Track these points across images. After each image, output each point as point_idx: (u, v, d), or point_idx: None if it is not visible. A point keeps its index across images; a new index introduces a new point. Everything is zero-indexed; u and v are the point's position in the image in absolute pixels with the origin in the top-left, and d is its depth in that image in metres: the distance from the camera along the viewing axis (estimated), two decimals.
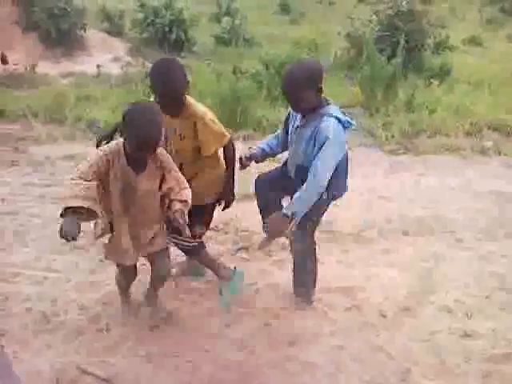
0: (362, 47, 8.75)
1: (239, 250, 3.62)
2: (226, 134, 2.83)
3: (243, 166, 2.99)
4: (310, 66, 2.64)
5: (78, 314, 2.90)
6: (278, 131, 3.01)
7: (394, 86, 6.85)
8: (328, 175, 2.58)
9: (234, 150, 2.91)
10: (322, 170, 2.55)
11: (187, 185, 2.53)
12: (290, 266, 3.25)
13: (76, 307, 2.95)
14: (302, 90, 2.54)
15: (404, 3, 8.94)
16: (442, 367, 2.55)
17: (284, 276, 3.23)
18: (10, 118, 6.62)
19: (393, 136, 5.91)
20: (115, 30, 12.18)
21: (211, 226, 3.23)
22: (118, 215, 2.48)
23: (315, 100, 2.61)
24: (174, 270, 3.13)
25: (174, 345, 2.67)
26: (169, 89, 2.58)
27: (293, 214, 2.62)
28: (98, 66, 8.98)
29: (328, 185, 2.63)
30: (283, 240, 3.68)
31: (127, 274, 2.76)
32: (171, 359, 2.58)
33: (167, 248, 2.71)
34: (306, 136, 2.67)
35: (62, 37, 10.33)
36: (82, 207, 2.22)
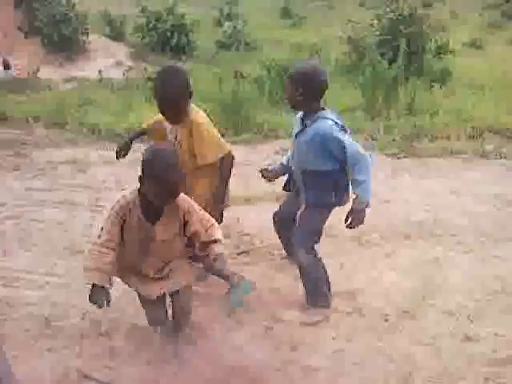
0: (363, 51, 8.78)
1: (240, 253, 3.62)
2: (224, 146, 2.81)
3: (267, 179, 3.11)
4: (307, 66, 2.81)
5: (80, 318, 2.90)
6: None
7: (395, 90, 6.86)
8: (360, 148, 2.64)
9: (230, 165, 2.88)
10: (355, 150, 2.62)
11: (213, 221, 2.48)
12: (292, 271, 3.25)
13: (77, 312, 2.94)
14: (297, 84, 2.69)
15: (405, 7, 8.96)
16: (444, 371, 2.54)
17: (286, 280, 3.23)
18: (12, 122, 6.64)
19: (394, 140, 5.91)
20: (117, 35, 12.22)
21: None
22: (134, 264, 2.49)
23: (308, 102, 2.72)
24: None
25: (177, 349, 2.67)
26: (166, 96, 2.61)
27: (368, 201, 2.68)
28: (100, 71, 9.01)
29: (334, 191, 2.72)
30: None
31: (153, 310, 2.67)
32: (172, 364, 2.57)
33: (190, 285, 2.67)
34: (306, 139, 2.73)
35: (64, 42, 10.37)
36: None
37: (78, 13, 10.80)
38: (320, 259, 2.96)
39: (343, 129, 2.73)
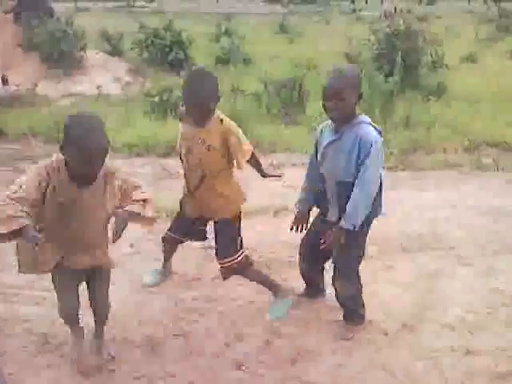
0: (359, 65, 8.85)
1: None
2: (249, 147, 2.94)
3: (301, 225, 2.99)
4: (352, 71, 2.67)
5: None
6: (309, 160, 2.93)
7: (391, 104, 6.91)
8: (376, 187, 2.57)
9: (256, 156, 3.04)
10: (372, 181, 2.55)
11: (139, 183, 2.40)
12: (291, 284, 3.24)
13: None
14: (347, 90, 2.54)
15: (401, 22, 9.06)
16: None
17: None
18: (9, 137, 6.65)
19: (391, 153, 5.93)
20: (115, 51, 12.31)
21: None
22: (52, 232, 2.29)
23: (354, 106, 2.61)
24: None
25: (173, 364, 2.65)
26: (194, 99, 2.65)
27: (354, 227, 2.58)
28: (99, 87, 9.05)
29: (372, 203, 2.61)
30: (285, 258, 3.68)
31: (68, 298, 2.52)
32: (171, 379, 2.55)
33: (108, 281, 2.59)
34: (345, 148, 2.59)
35: (62, 58, 10.42)
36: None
37: (77, 29, 10.89)
38: (361, 286, 2.87)
39: (380, 133, 2.65)
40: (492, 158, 5.82)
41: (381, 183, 2.68)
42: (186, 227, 3.14)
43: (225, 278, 3.02)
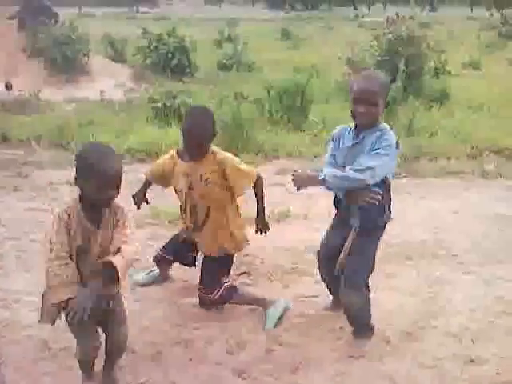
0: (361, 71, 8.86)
1: (241, 274, 3.60)
2: (253, 172, 3.01)
3: (299, 186, 2.73)
4: (382, 76, 2.66)
5: None
6: (326, 159, 2.78)
7: (394, 110, 6.91)
8: (370, 179, 2.48)
9: (262, 185, 3.07)
10: (377, 164, 2.46)
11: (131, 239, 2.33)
12: (294, 291, 3.23)
13: None
14: (380, 95, 2.50)
15: (403, 28, 9.08)
16: None
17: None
18: (13, 143, 6.66)
19: None
20: (119, 57, 12.37)
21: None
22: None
23: (382, 112, 2.56)
24: None
25: (176, 373, 2.64)
26: (193, 134, 2.81)
27: (324, 180, 2.53)
28: (102, 92, 9.08)
29: (384, 210, 2.59)
30: (288, 265, 3.67)
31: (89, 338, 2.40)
32: None
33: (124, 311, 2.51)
34: (365, 150, 2.54)
35: (66, 63, 10.48)
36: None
37: (81, 35, 10.94)
38: (369, 298, 2.81)
39: (397, 144, 2.60)
40: (495, 165, 5.81)
41: (389, 188, 2.65)
42: (178, 251, 3.27)
43: (202, 306, 3.11)
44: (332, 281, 2.96)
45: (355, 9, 33.10)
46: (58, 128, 6.86)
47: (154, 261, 3.40)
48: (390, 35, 9.06)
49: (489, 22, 21.95)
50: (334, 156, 2.74)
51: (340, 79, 9.48)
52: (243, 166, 2.97)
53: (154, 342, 2.87)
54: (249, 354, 2.78)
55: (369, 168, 2.47)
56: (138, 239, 2.45)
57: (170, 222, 4.23)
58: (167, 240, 3.37)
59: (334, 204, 2.85)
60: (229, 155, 2.99)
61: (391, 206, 2.70)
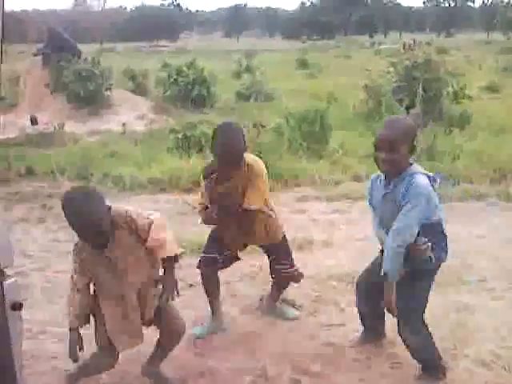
0: (380, 98, 8.89)
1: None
2: (266, 198, 3.04)
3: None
4: (406, 122, 2.59)
5: (105, 373, 2.85)
6: (372, 222, 2.76)
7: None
8: (409, 237, 2.46)
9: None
10: (403, 231, 2.45)
11: (152, 218, 2.41)
12: (318, 319, 3.18)
13: None
14: (403, 141, 2.44)
15: (420, 54, 9.12)
16: None
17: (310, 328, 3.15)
18: (38, 175, 6.81)
19: None
20: (139, 89, 12.65)
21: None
22: (106, 302, 2.50)
23: (407, 158, 2.50)
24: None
25: None
26: (227, 150, 2.85)
27: (385, 275, 2.50)
28: (124, 124, 9.27)
29: (431, 249, 2.50)
30: (311, 293, 3.63)
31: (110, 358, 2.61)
32: None
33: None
34: (396, 201, 2.50)
35: (89, 97, 10.75)
36: None
37: (103, 69, 11.24)
38: (430, 334, 2.70)
39: (433, 182, 2.55)
40: None
41: (443, 229, 2.57)
42: (221, 248, 3.17)
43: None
44: (370, 315, 2.94)
45: (371, 37, 33.41)
46: (82, 160, 7.00)
47: (198, 267, 3.19)
48: (407, 61, 9.11)
49: (505, 46, 21.94)
50: (373, 208, 2.72)
51: (358, 106, 9.52)
52: (264, 189, 2.99)
53: (177, 372, 2.83)
54: None
55: (398, 231, 2.47)
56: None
57: (192, 250, 4.24)
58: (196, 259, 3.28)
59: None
60: (261, 172, 2.98)
61: (444, 244, 2.59)
